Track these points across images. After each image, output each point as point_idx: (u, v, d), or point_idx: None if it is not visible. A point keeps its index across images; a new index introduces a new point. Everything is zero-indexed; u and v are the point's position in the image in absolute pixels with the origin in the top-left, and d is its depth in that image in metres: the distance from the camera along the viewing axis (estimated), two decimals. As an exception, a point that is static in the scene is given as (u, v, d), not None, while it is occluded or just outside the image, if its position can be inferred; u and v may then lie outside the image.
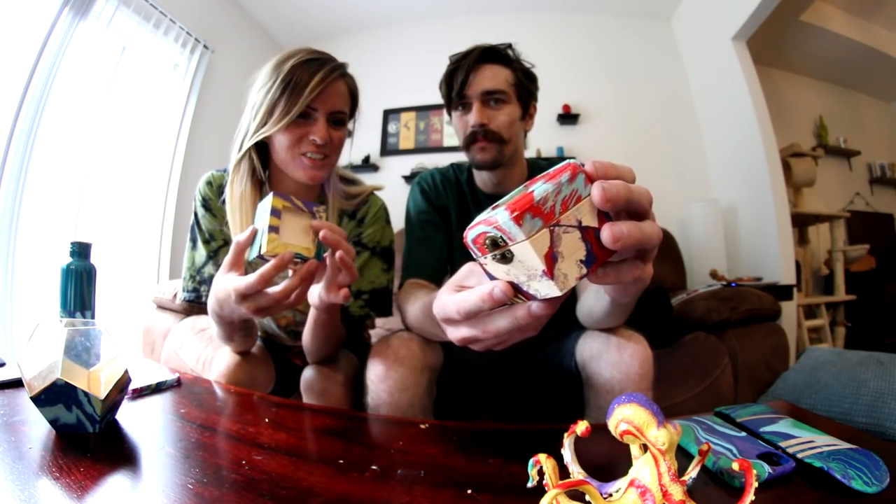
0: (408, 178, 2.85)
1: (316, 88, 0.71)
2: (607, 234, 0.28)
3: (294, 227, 0.57)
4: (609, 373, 0.67)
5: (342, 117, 0.77)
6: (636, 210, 0.30)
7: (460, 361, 0.85)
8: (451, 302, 0.35)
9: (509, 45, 0.90)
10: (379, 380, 0.71)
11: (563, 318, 0.63)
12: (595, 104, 2.84)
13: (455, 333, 0.37)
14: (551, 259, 0.27)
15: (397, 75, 3.01)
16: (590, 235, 0.28)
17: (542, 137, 2.78)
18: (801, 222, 2.78)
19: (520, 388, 0.90)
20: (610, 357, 0.67)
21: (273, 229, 0.55)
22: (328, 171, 0.79)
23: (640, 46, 2.86)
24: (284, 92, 0.70)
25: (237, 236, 0.59)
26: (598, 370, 0.68)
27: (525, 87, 0.88)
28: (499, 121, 0.85)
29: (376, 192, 0.90)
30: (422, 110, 2.98)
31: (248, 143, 0.75)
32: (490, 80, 0.85)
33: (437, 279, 0.87)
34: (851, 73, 3.25)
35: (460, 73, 0.86)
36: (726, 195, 2.54)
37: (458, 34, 2.62)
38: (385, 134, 3.03)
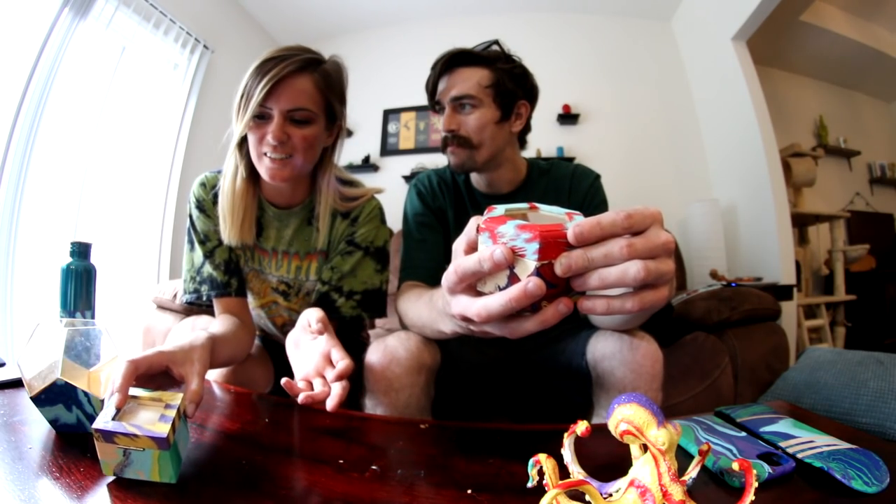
0: (408, 178, 2.85)
1: (265, 87, 0.70)
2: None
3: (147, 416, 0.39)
4: (622, 372, 0.67)
5: (305, 115, 0.74)
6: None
7: (460, 362, 0.84)
8: (452, 266, 0.35)
9: (494, 42, 0.88)
10: (375, 379, 0.71)
11: (563, 319, 0.63)
12: (595, 104, 2.84)
13: (456, 306, 0.36)
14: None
15: (397, 75, 3.00)
16: (513, 280, 0.31)
17: (542, 137, 2.78)
18: (801, 222, 2.78)
19: (521, 388, 0.90)
20: (623, 356, 0.67)
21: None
22: (295, 171, 0.76)
23: (640, 46, 2.85)
24: (244, 92, 0.72)
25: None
26: (611, 369, 0.69)
27: (505, 87, 0.85)
28: (468, 126, 0.84)
29: (376, 196, 0.89)
30: (422, 110, 2.98)
31: (232, 143, 0.77)
32: (459, 86, 0.84)
33: (434, 281, 0.87)
34: (851, 73, 3.25)
35: (433, 78, 0.87)
36: (726, 195, 2.53)
37: (457, 34, 2.60)
38: (385, 134, 3.03)
